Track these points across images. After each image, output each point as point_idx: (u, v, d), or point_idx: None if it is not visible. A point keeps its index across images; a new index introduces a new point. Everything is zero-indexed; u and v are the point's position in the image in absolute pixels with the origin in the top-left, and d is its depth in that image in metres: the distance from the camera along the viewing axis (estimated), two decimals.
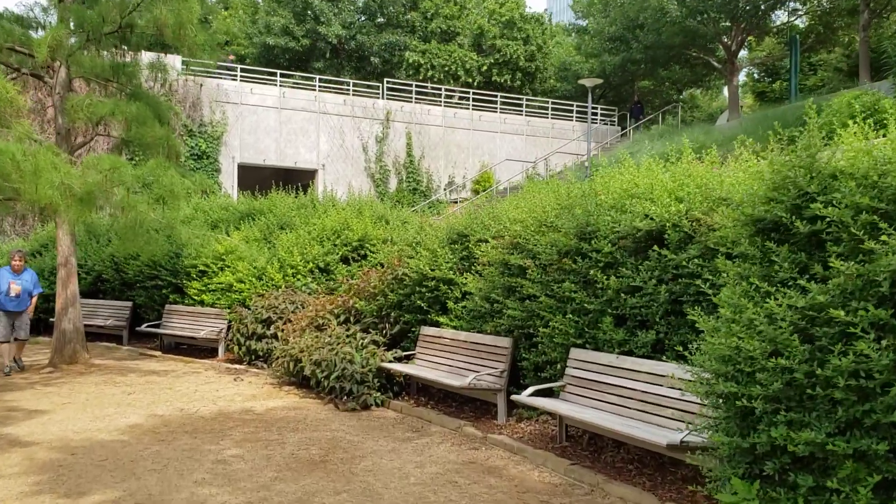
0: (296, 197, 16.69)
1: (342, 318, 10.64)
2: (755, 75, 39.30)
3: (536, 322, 7.25)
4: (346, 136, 27.60)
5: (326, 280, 13.39)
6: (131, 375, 11.46)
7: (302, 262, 13.32)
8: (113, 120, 11.76)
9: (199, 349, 14.09)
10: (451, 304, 8.92)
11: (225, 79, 26.25)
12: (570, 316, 6.77)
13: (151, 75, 14.47)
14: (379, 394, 8.99)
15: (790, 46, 29.21)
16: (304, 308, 12.12)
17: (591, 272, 6.58)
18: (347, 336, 9.89)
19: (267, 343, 11.98)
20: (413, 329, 9.65)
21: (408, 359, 9.42)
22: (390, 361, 9.14)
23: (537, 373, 7.45)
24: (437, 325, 9.19)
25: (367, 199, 15.95)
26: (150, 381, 10.93)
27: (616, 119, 34.17)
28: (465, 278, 8.79)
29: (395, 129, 28.38)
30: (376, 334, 9.75)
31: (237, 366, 12.25)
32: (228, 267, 13.91)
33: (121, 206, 10.31)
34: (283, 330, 11.21)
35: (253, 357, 12.20)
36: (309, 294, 12.84)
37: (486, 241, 8.71)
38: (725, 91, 35.89)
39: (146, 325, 14.43)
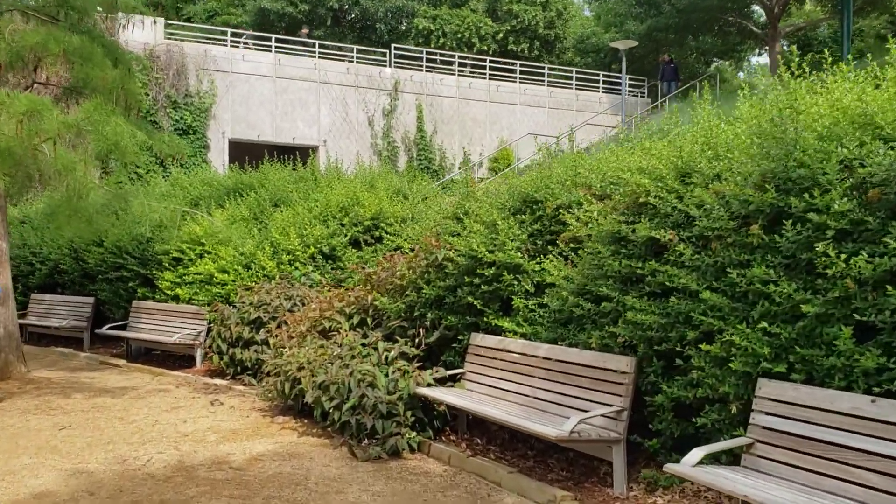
0: (293, 169, 13.82)
1: (356, 319, 7.79)
2: (785, 46, 36.36)
3: (687, 333, 4.38)
4: (349, 108, 24.68)
5: (332, 269, 10.55)
6: (76, 397, 8.62)
7: (301, 245, 10.47)
8: (52, 59, 8.86)
9: (174, 356, 11.25)
10: (518, 302, 6.07)
11: (213, 44, 23.31)
12: (763, 324, 3.91)
13: (113, 24, 11.53)
14: (414, 433, 6.15)
15: (842, 7, 26.26)
16: (304, 306, 9.31)
17: (814, 248, 3.72)
18: (365, 346, 7.05)
19: (256, 352, 9.16)
20: (460, 337, 6.78)
21: (453, 380, 6.57)
22: (429, 385, 6.29)
23: (684, 416, 4.58)
24: (497, 331, 6.33)
25: (379, 171, 13.07)
26: (99, 406, 8.10)
27: (646, 91, 31.18)
28: (541, 262, 5.94)
29: (405, 100, 25.45)
30: (405, 344, 6.90)
31: (218, 380, 9.42)
32: (209, 253, 11.06)
33: (53, 168, 7.44)
34: (276, 335, 8.38)
35: (238, 369, 9.37)
36: (310, 287, 10.00)
37: (579, 206, 5.83)
38: (762, 59, 32.98)
39: (108, 326, 11.58)
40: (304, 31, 28.03)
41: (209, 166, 20.61)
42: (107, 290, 12.26)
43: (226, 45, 23.33)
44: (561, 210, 6.06)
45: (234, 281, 10.36)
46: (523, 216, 6.42)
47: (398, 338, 7.03)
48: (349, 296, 8.14)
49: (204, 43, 23.18)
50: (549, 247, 6.11)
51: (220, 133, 22.75)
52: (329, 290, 10.02)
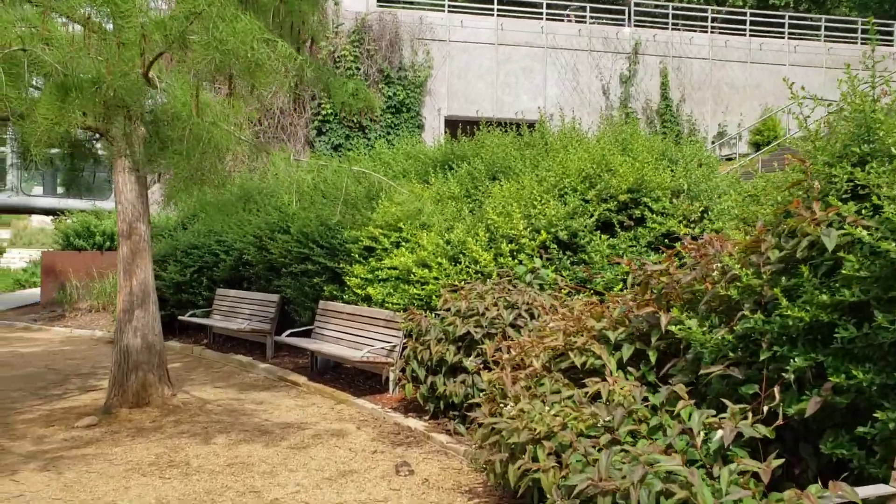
0: (518, 135, 10.81)
1: (627, 352, 4.53)
2: None
3: None
4: (580, 75, 21.33)
5: (572, 263, 7.38)
6: (218, 442, 6.14)
7: (527, 230, 7.40)
8: None
9: (365, 374, 8.63)
10: None
11: (428, 10, 20.94)
12: None
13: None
14: None
15: None
16: (533, 318, 6.24)
17: None
18: (654, 408, 3.80)
19: (465, 383, 6.20)
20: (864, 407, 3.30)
21: None
22: None
23: None
24: None
25: (631, 129, 9.66)
26: (239, 464, 5.53)
27: None
28: None
29: (646, 64, 21.63)
30: (740, 415, 3.52)
31: (413, 420, 6.58)
32: (406, 241, 8.30)
33: (170, 110, 4.90)
34: (493, 365, 5.37)
35: (440, 406, 6.48)
36: (540, 289, 6.90)
37: None
38: None
39: (289, 332, 9.19)
40: None
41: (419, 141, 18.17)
42: (291, 286, 9.93)
43: (443, 11, 20.87)
44: None
45: (436, 279, 7.50)
46: None
47: (723, 399, 3.66)
48: (611, 310, 4.90)
49: (419, 9, 20.86)
50: None
51: (436, 110, 20.37)
52: (567, 294, 6.87)
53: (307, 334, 9.31)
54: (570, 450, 3.72)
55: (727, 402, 3.56)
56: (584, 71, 21.37)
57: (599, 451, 3.63)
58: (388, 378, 7.68)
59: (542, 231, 7.31)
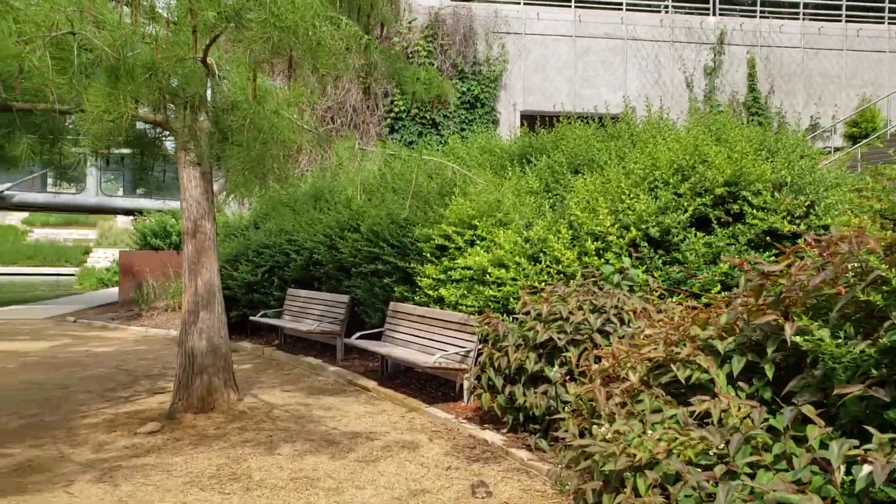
0: (600, 126, 10.20)
1: (738, 364, 3.93)
2: None
3: None
4: (662, 68, 20.43)
5: (664, 262, 6.76)
6: (283, 452, 5.77)
7: (615, 227, 6.81)
8: None
9: (437, 379, 8.17)
10: None
11: (503, 3, 20.38)
12: None
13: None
14: None
15: None
16: (623, 324, 5.68)
17: None
18: (776, 434, 3.20)
19: (547, 394, 5.67)
20: None
21: None
22: None
23: None
24: None
25: (724, 118, 8.93)
26: (303, 478, 5.13)
27: None
28: None
29: (732, 55, 20.56)
30: (889, 450, 2.90)
31: (489, 433, 6.08)
32: (482, 239, 7.81)
33: (229, 98, 4.53)
34: (580, 377, 4.83)
35: (520, 418, 5.95)
36: (629, 291, 6.31)
37: None
38: None
39: (359, 334, 8.79)
40: None
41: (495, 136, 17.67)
42: (361, 286, 9.55)
43: (518, 3, 20.28)
44: None
45: (514, 279, 6.97)
46: None
47: (865, 426, 3.05)
48: (718, 316, 4.30)
49: (494, 2, 20.32)
50: None
51: (511, 105, 19.81)
52: (659, 297, 6.28)
53: (377, 337, 8.92)
54: (680, 483, 3.16)
55: (871, 429, 2.94)
56: (667, 63, 20.47)
57: (715, 485, 3.06)
58: (461, 386, 7.19)
59: (632, 228, 6.70)
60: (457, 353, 7.25)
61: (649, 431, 3.59)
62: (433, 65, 19.12)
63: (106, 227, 52.91)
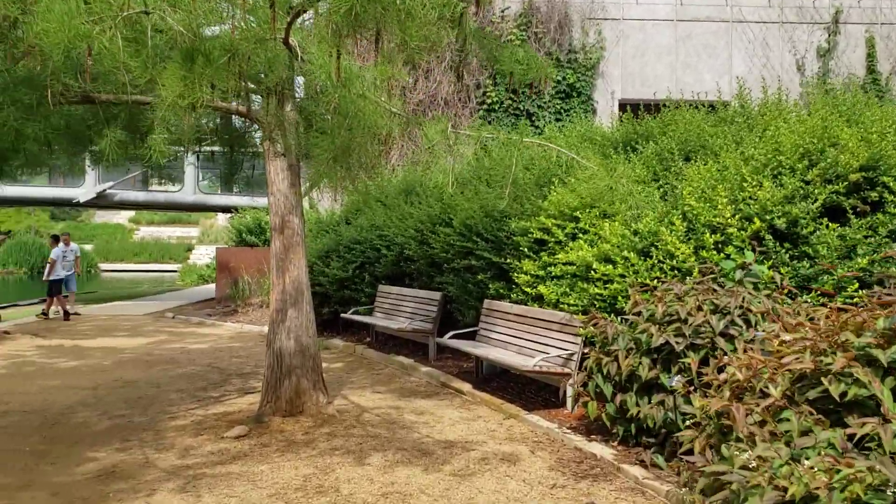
0: (710, 110, 9.45)
1: None
2: None
3: None
4: (771, 51, 19.21)
5: (792, 257, 6.04)
6: (373, 462, 5.38)
7: (735, 218, 6.12)
8: None
9: (537, 383, 7.65)
10: None
11: None
12: None
13: None
14: None
15: None
16: (750, 327, 5.04)
17: None
18: None
19: (664, 405, 5.08)
20: None
21: None
22: None
23: None
24: None
25: (855, 97, 8.05)
26: (395, 493, 4.72)
27: None
28: None
29: (848, 34, 19.14)
30: None
31: (598, 445, 5.53)
32: (584, 233, 7.24)
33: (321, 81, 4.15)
34: (704, 387, 4.25)
35: (632, 430, 5.38)
36: (754, 290, 5.62)
37: None
38: None
39: (452, 334, 8.36)
40: None
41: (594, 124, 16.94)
42: (454, 283, 9.12)
43: None
44: None
45: (622, 276, 6.38)
46: None
47: None
48: (874, 319, 3.64)
49: None
50: None
51: (609, 93, 19.02)
52: (787, 296, 5.59)
53: (471, 336, 8.46)
54: None
55: None
56: (775, 45, 19.24)
57: None
58: (565, 392, 6.64)
59: (755, 219, 6.00)
60: (558, 357, 6.71)
61: (805, 460, 2.99)
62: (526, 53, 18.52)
63: (207, 225, 54.51)
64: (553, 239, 7.39)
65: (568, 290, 6.94)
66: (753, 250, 6.02)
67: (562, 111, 18.58)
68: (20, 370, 9.37)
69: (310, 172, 5.73)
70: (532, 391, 7.45)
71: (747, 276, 5.76)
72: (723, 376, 4.22)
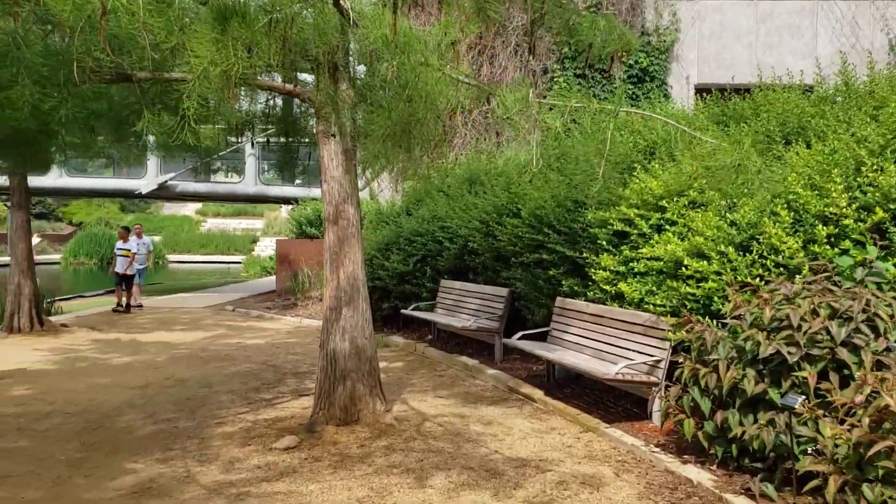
0: (807, 90, 8.54)
1: None
2: None
3: None
4: (860, 31, 17.91)
5: None
6: (436, 484, 4.76)
7: (851, 207, 5.29)
8: None
9: (615, 391, 6.91)
10: None
11: None
12: None
13: None
14: None
15: None
16: (879, 336, 4.24)
17: None
18: None
19: (774, 426, 4.32)
20: None
21: None
22: None
23: None
24: None
25: None
26: None
27: None
28: None
29: None
30: None
31: (693, 468, 4.81)
32: (672, 224, 6.47)
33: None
34: (826, 406, 3.49)
35: (733, 451, 4.64)
36: (878, 288, 4.80)
37: None
38: None
39: (520, 335, 7.69)
40: None
41: (671, 107, 15.98)
42: (522, 279, 8.44)
43: None
44: None
45: (718, 274, 5.61)
46: None
47: None
48: None
49: None
50: None
51: (684, 78, 18.01)
52: None
53: (541, 337, 7.78)
54: None
55: None
56: (865, 24, 17.93)
57: None
58: (652, 405, 5.91)
59: (877, 208, 5.17)
60: (643, 363, 5.99)
61: None
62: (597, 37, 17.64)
63: (272, 217, 54.86)
64: (636, 231, 6.65)
65: (654, 288, 6.20)
66: (875, 244, 5.18)
67: (634, 96, 17.66)
68: (72, 366, 9.07)
69: (363, 153, 5.13)
70: (611, 400, 6.73)
71: (869, 275, 4.94)
72: (858, 398, 3.46)
